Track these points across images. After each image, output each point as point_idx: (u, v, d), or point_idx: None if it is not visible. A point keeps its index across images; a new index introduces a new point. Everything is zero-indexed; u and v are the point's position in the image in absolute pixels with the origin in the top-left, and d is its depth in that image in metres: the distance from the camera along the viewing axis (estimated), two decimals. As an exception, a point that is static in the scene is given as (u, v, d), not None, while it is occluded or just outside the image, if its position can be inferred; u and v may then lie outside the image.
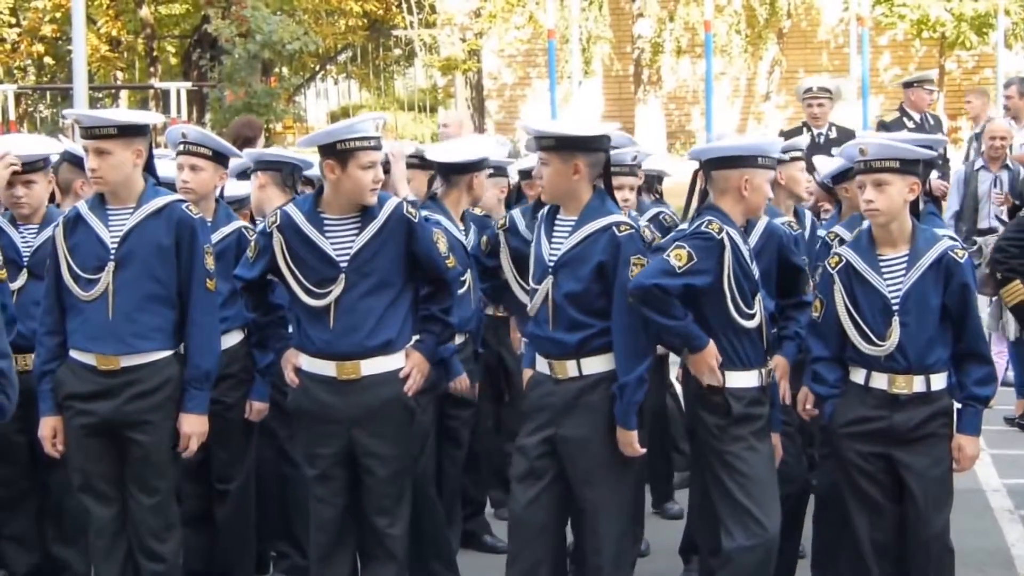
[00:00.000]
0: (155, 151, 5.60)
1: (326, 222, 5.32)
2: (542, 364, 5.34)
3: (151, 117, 5.74)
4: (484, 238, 6.21)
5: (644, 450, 5.24)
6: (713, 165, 5.34)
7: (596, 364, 5.22)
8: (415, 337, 5.44)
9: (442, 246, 5.45)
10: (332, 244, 5.29)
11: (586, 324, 5.20)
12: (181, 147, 6.00)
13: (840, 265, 5.30)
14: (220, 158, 6.05)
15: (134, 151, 5.33)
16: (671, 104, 23.79)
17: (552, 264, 5.25)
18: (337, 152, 5.24)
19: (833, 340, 5.32)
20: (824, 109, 11.10)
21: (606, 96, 23.31)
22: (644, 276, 5.11)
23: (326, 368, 5.31)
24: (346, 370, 5.28)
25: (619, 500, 5.28)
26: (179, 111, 20.82)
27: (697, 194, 5.45)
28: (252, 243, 5.55)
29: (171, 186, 5.77)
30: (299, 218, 5.34)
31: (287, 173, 6.42)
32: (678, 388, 5.96)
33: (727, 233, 5.20)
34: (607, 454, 5.21)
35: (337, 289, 5.25)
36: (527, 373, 5.50)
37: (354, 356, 5.27)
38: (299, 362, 5.38)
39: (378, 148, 5.31)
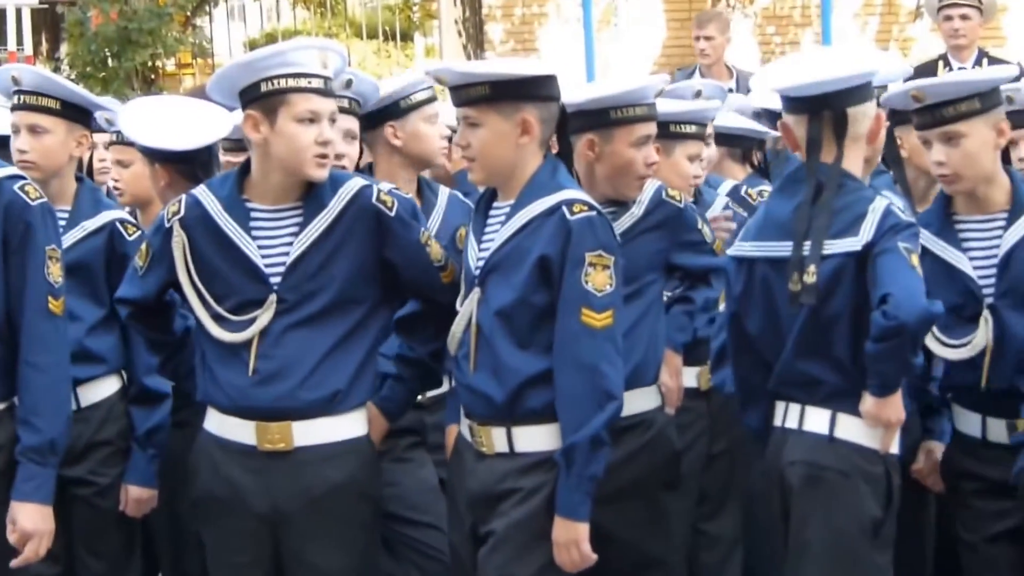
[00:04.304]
0: None
1: (253, 214, 4.00)
2: (464, 426, 4.05)
3: None
4: (461, 231, 4.85)
5: (595, 556, 3.83)
6: (842, 100, 3.99)
7: (536, 437, 3.88)
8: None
9: (435, 251, 4.09)
10: (261, 248, 3.96)
11: (519, 363, 3.87)
12: (15, 98, 4.65)
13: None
14: (77, 113, 4.63)
15: None
16: (768, 26, 19.29)
17: (478, 271, 3.96)
18: (261, 96, 3.89)
19: None
20: (970, 24, 8.34)
21: (668, 13, 17.67)
22: (923, 298, 3.77)
23: (242, 432, 3.96)
24: (270, 435, 3.92)
25: None
26: (20, 41, 17.24)
27: (806, 143, 4.05)
28: (142, 246, 4.18)
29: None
30: (213, 207, 4.01)
31: None
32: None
33: None
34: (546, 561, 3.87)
35: (265, 316, 3.94)
36: (451, 431, 4.26)
37: (283, 415, 3.92)
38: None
39: (327, 93, 3.93)
